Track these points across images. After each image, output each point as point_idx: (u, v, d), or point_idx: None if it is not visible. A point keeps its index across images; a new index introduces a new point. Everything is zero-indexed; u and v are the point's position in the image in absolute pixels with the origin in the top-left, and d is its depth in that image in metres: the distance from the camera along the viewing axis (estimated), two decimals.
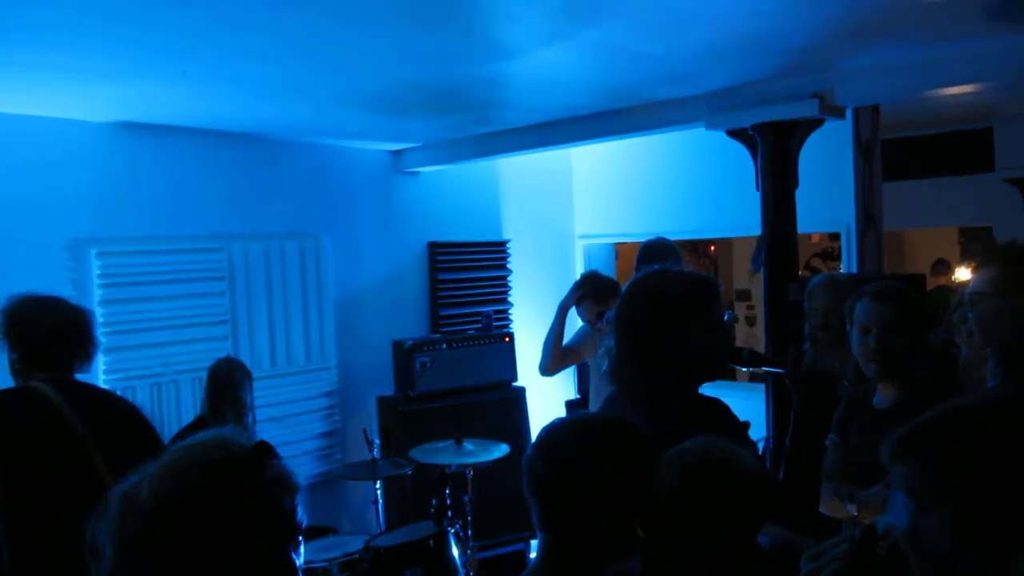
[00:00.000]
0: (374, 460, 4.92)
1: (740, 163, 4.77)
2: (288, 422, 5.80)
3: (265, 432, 5.28)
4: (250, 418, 4.77)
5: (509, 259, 7.00)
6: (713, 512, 1.82)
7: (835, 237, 8.67)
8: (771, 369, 3.39)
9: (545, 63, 4.07)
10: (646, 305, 2.43)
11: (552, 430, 1.86)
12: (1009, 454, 1.05)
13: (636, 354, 2.39)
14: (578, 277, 5.26)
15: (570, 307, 4.92)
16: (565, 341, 5.02)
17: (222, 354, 5.09)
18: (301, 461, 5.77)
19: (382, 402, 6.17)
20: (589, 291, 4.84)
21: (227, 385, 4.65)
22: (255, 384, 4.88)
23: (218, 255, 5.54)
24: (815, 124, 4.40)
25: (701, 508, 1.82)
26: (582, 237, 7.36)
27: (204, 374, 4.81)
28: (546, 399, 6.55)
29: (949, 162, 7.88)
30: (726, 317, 2.52)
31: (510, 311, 6.98)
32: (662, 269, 2.58)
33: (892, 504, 1.17)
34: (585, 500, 1.75)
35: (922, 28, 3.64)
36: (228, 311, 5.57)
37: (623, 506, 1.76)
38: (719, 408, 2.35)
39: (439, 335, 6.41)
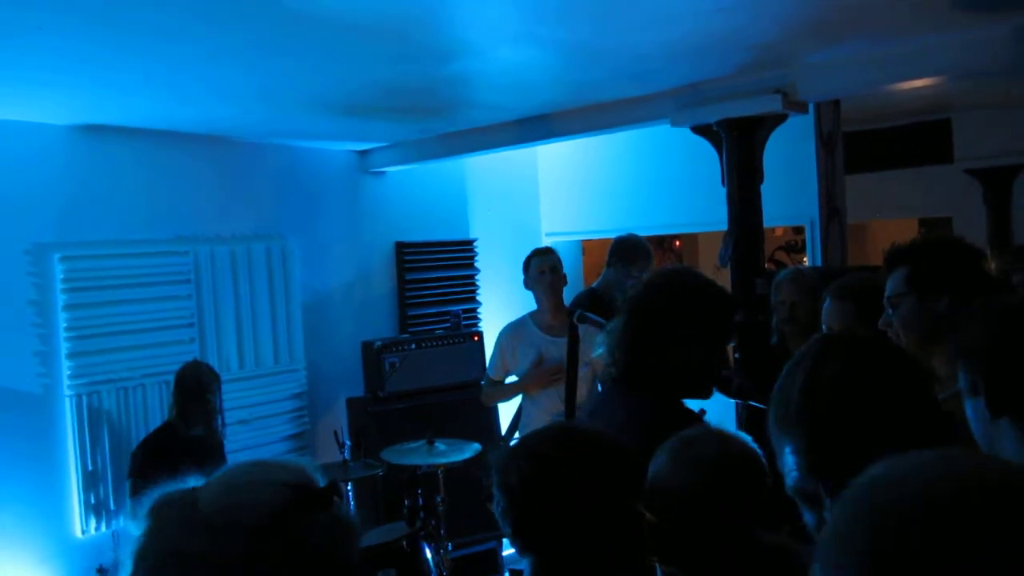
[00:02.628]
0: (345, 462, 4.90)
1: (706, 159, 4.80)
2: (257, 424, 5.76)
3: (234, 435, 5.25)
4: (219, 421, 4.75)
5: (477, 258, 7.00)
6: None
7: (799, 230, 8.76)
8: (756, 405, 3.24)
9: (511, 62, 4.07)
10: (670, 305, 2.37)
11: (507, 456, 1.82)
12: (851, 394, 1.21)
13: (642, 353, 2.35)
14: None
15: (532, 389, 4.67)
16: (498, 361, 4.80)
17: (189, 357, 5.07)
18: None
19: (352, 403, 6.15)
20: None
21: (194, 389, 4.61)
22: (223, 387, 4.85)
23: (184, 258, 5.49)
24: (779, 119, 4.44)
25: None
26: (549, 235, 7.37)
27: (171, 378, 4.78)
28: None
29: (909, 154, 7.99)
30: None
31: (478, 310, 6.99)
32: (689, 271, 2.56)
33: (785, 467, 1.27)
34: (563, 517, 1.72)
35: (882, 23, 3.69)
36: (194, 314, 5.52)
37: (607, 518, 1.73)
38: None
39: (408, 335, 6.40)
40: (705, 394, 2.44)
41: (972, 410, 1.60)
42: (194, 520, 1.09)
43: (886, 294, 2.35)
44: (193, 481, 1.16)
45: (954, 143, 7.83)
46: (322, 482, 1.16)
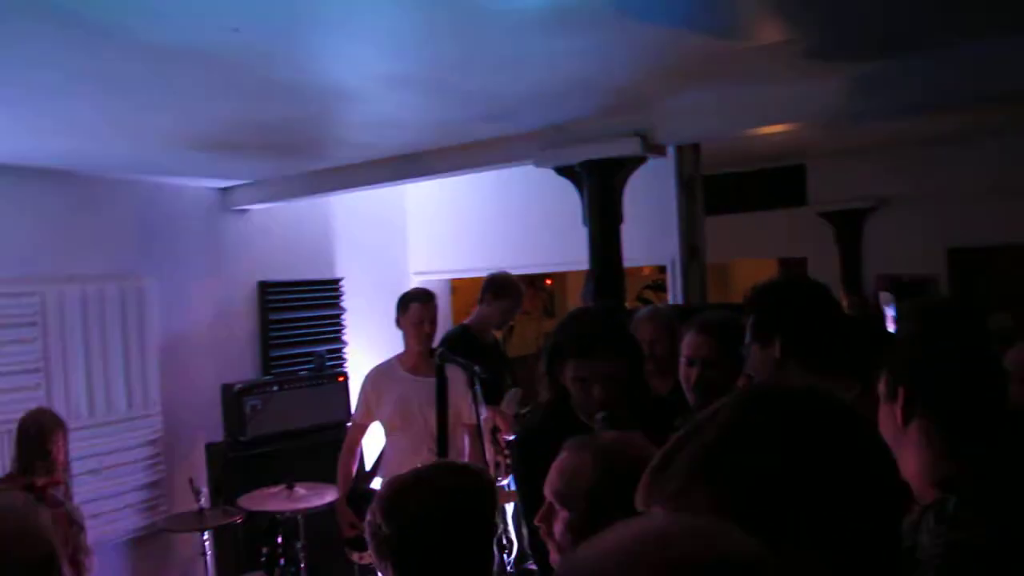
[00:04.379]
0: (202, 510, 4.71)
1: (571, 198, 4.86)
2: (108, 474, 5.49)
3: (83, 486, 5.00)
4: (65, 473, 4.49)
5: (343, 297, 6.89)
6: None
7: (664, 269, 8.98)
8: None
9: (376, 101, 4.04)
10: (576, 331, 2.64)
11: (395, 489, 1.89)
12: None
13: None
14: None
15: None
16: (363, 406, 4.68)
17: (33, 404, 4.78)
18: (123, 515, 5.48)
19: (211, 449, 5.94)
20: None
21: (37, 438, 4.35)
22: (72, 435, 4.59)
23: (29, 299, 5.22)
24: (638, 162, 4.53)
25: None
26: (417, 273, 7.33)
27: (14, 427, 4.50)
28: (381, 439, 6.44)
29: (767, 197, 8.32)
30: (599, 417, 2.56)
31: (344, 350, 6.87)
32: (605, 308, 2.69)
33: None
34: (440, 554, 1.79)
35: (737, 71, 3.82)
36: (40, 358, 5.24)
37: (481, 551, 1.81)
38: None
39: (271, 376, 6.24)
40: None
41: (884, 416, 1.66)
42: None
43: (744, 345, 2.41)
44: None
45: (808, 187, 8.20)
46: None
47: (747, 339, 2.34)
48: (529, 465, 2.49)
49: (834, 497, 0.95)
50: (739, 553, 0.74)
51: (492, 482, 1.92)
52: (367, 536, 1.86)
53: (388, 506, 1.85)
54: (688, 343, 2.98)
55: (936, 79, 3.68)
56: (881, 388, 2.16)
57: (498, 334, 5.18)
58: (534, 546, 2.47)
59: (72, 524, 3.95)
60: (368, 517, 1.87)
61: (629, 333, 2.90)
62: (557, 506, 1.85)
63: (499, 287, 5.11)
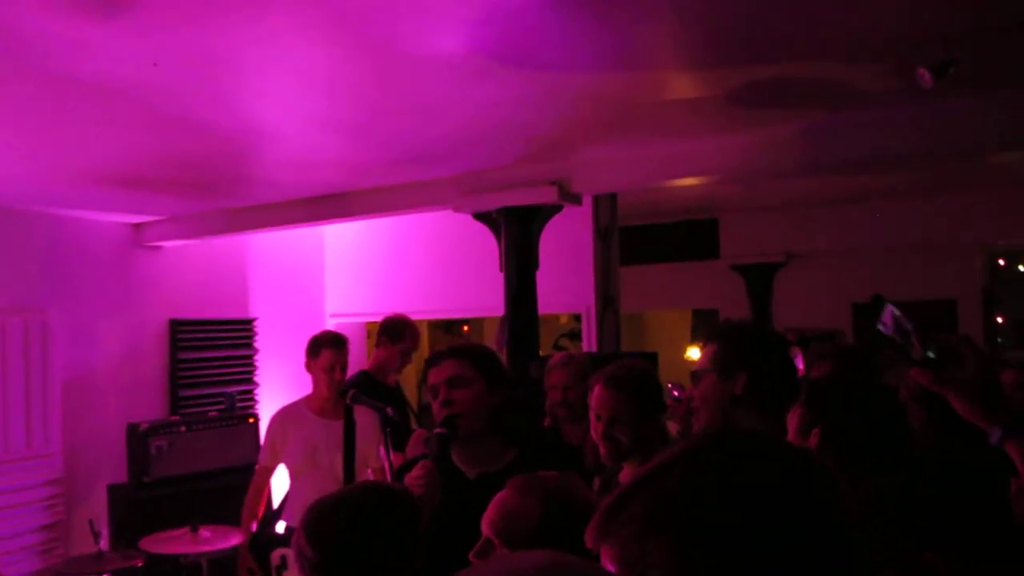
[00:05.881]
0: (101, 553, 4.56)
1: (488, 245, 4.91)
2: (4, 514, 5.28)
3: None
4: None
5: (256, 337, 6.80)
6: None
7: (579, 318, 9.07)
8: None
9: (294, 140, 4.05)
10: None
11: (317, 513, 1.88)
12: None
13: None
14: None
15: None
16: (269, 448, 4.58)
17: None
18: (17, 557, 5.26)
19: (113, 490, 5.76)
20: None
21: None
22: None
23: None
24: (554, 210, 4.61)
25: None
26: (333, 315, 7.28)
27: None
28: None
29: (681, 249, 8.51)
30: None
31: (256, 391, 6.76)
32: None
33: None
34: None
35: (655, 125, 3.93)
36: None
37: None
38: None
39: (178, 417, 6.09)
40: None
41: None
42: None
43: (695, 368, 2.44)
44: None
45: (721, 241, 8.42)
46: None
47: (704, 366, 2.37)
48: None
49: (795, 555, 0.94)
50: None
51: (415, 500, 1.93)
52: (294, 557, 1.85)
53: (311, 530, 1.84)
54: (595, 396, 2.95)
55: (847, 139, 3.86)
56: (794, 422, 2.24)
57: (395, 377, 5.15)
58: None
59: None
60: (293, 539, 1.86)
61: (495, 354, 2.89)
62: (497, 543, 1.86)
63: (394, 330, 5.09)
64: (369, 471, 4.33)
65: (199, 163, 4.45)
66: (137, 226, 6.25)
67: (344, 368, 4.52)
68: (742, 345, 2.34)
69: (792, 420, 1.95)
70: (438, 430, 2.55)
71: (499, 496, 1.93)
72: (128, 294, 6.20)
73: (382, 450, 3.59)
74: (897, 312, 1.76)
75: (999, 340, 7.72)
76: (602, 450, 2.91)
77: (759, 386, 2.22)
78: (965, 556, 1.52)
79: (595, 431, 2.92)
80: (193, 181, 4.90)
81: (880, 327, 1.76)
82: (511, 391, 2.80)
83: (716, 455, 1.02)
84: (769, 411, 2.19)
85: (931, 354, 1.66)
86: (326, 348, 4.49)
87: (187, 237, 6.21)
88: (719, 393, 2.30)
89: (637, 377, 2.80)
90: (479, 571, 0.83)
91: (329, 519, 1.85)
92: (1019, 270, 8.15)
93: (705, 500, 0.95)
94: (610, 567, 0.98)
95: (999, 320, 7.92)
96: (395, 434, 3.44)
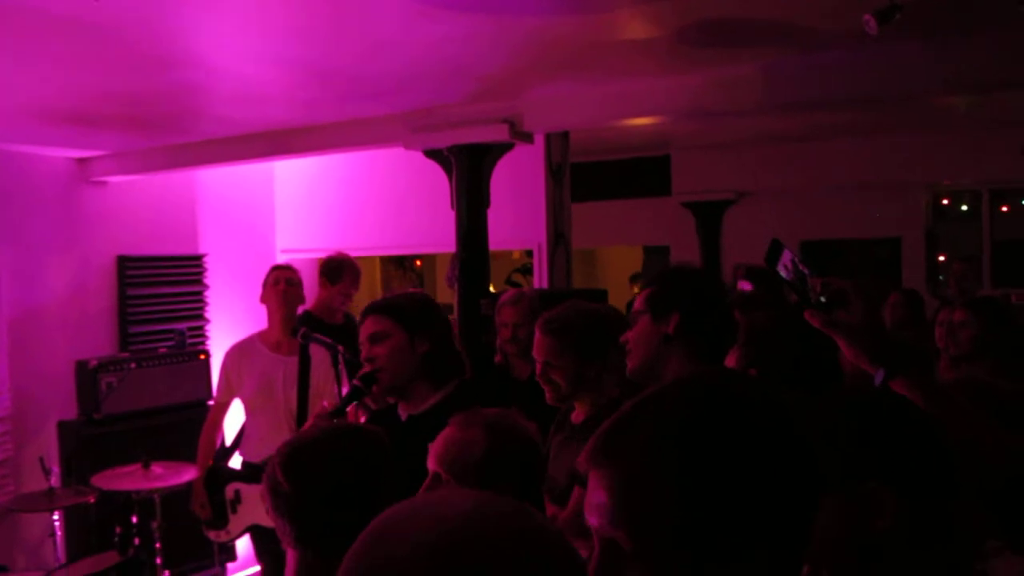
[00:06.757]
0: (51, 489, 4.57)
1: (439, 182, 4.91)
2: None
3: None
4: None
5: (206, 274, 6.75)
6: None
7: (531, 253, 9.12)
8: None
9: (240, 75, 3.99)
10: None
11: (293, 450, 1.91)
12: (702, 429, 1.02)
13: None
14: None
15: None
16: (224, 384, 4.65)
17: None
18: None
19: (63, 426, 5.74)
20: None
21: None
22: None
23: None
24: (506, 148, 4.61)
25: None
26: (284, 251, 7.24)
27: None
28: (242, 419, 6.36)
29: (632, 186, 8.56)
30: None
31: (207, 327, 6.73)
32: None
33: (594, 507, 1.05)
34: (339, 511, 1.80)
35: (607, 64, 3.93)
36: None
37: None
38: None
39: (128, 353, 6.06)
40: None
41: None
42: None
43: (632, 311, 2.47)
44: None
45: (672, 178, 8.47)
46: None
47: (638, 307, 2.41)
48: None
49: (779, 498, 0.99)
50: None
51: (386, 440, 1.94)
52: (266, 492, 1.87)
53: (288, 463, 1.86)
54: (535, 341, 2.96)
55: (796, 80, 3.89)
56: (731, 363, 2.31)
57: (343, 311, 5.17)
58: None
59: None
60: (267, 472, 1.88)
61: (422, 302, 2.95)
62: (444, 477, 1.90)
63: (332, 270, 5.10)
64: (324, 403, 4.39)
65: (145, 98, 4.37)
66: (82, 161, 6.13)
67: (292, 283, 4.59)
68: (676, 287, 2.39)
69: (730, 361, 2.00)
70: (355, 382, 2.76)
71: (444, 432, 1.99)
72: (74, 230, 6.10)
73: (334, 387, 3.64)
74: (795, 257, 1.83)
75: (940, 278, 7.90)
76: (545, 392, 2.95)
77: (691, 327, 2.26)
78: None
79: (537, 373, 2.96)
80: (140, 116, 4.81)
81: (780, 270, 1.82)
82: (440, 334, 2.85)
83: (712, 398, 1.05)
84: (700, 352, 2.25)
85: (823, 298, 1.74)
86: (272, 270, 4.57)
87: (134, 172, 6.10)
88: (651, 334, 2.33)
89: (574, 322, 2.82)
90: (408, 511, 0.88)
91: (305, 453, 1.88)
92: (962, 210, 8.31)
93: (706, 442, 0.99)
94: (602, 493, 1.01)
95: (941, 258, 8.09)
96: (349, 369, 3.49)
